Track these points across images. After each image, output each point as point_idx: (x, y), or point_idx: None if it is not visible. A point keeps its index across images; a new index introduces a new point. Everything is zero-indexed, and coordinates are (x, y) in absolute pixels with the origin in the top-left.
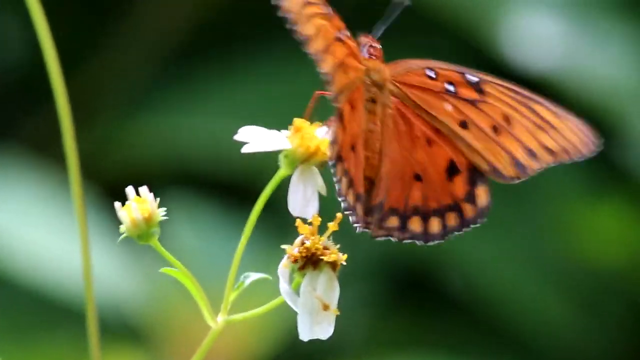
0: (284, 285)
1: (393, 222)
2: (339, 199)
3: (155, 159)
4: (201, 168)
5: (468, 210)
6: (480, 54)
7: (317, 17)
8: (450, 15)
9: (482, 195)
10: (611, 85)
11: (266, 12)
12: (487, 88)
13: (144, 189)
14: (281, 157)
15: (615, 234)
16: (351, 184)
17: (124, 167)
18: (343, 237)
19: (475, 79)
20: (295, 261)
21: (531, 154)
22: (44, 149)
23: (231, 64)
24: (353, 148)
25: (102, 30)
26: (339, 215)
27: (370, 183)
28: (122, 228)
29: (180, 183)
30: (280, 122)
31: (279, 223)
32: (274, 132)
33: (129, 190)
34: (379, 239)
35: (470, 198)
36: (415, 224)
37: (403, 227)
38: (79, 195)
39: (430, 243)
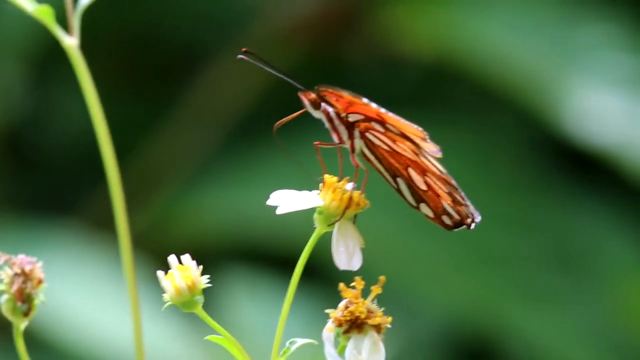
0: (329, 349)
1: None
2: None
3: (214, 233)
4: (259, 241)
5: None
6: (543, 129)
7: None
8: (514, 91)
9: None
10: None
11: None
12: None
13: (186, 257)
14: (315, 215)
15: None
16: (454, 201)
17: (184, 241)
18: (402, 308)
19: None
20: (340, 325)
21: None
22: (104, 223)
23: (290, 138)
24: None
25: (161, 107)
26: (382, 278)
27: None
28: (165, 297)
29: (239, 256)
30: None
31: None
32: (305, 192)
33: (172, 259)
34: (473, 227)
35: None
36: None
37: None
38: (130, 269)
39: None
